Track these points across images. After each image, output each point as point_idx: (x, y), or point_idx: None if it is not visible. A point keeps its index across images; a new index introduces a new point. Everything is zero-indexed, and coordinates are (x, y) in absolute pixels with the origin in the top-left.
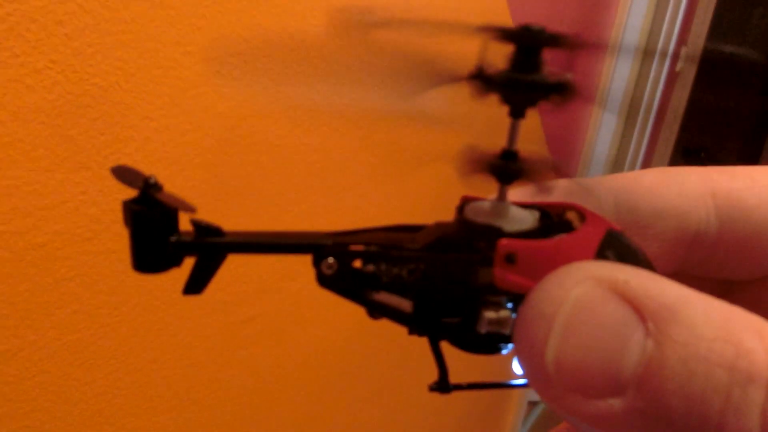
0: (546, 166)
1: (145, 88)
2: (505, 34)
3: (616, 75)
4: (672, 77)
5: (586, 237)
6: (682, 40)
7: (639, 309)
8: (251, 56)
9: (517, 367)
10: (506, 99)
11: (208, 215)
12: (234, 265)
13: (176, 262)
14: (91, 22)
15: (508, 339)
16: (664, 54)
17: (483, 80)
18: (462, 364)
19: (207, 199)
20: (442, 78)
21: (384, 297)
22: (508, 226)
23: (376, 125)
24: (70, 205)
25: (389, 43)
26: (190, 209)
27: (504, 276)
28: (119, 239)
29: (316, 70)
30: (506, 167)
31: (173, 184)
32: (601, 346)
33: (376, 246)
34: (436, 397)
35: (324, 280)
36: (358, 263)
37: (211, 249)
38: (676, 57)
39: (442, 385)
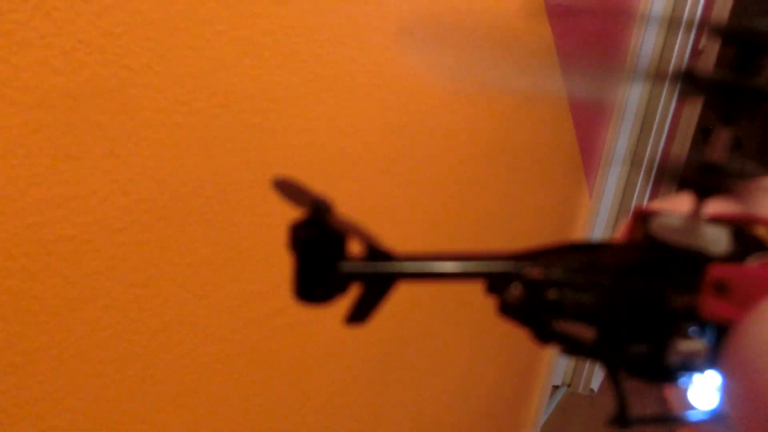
0: (746, 177)
1: (175, 70)
2: (724, 32)
3: (642, 50)
4: (695, 55)
5: None
6: (705, 17)
7: None
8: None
9: (695, 399)
10: (720, 104)
11: (241, 204)
12: (266, 253)
13: (342, 290)
14: None
15: (694, 369)
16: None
17: (693, 82)
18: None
19: (241, 185)
20: (643, 74)
21: (567, 326)
22: (713, 249)
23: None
24: (100, 195)
25: (587, 32)
26: (363, 236)
27: (713, 305)
28: (150, 230)
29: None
30: (707, 180)
31: (205, 171)
32: None
33: (562, 272)
34: (462, 381)
35: (508, 309)
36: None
37: (381, 278)
38: (699, 34)
39: (622, 419)
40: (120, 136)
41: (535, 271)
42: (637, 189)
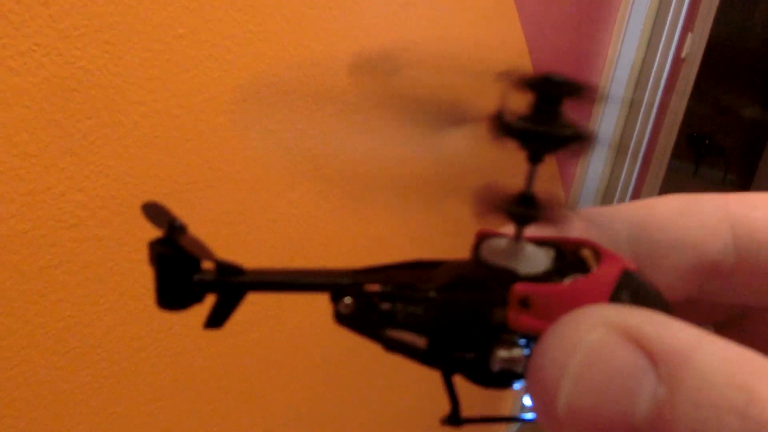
0: (562, 208)
1: (134, 72)
2: (525, 83)
3: (621, 60)
4: (677, 64)
5: (600, 278)
6: (687, 27)
7: (651, 354)
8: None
9: (528, 402)
10: (524, 146)
11: (200, 202)
12: (224, 251)
13: (198, 299)
14: (77, 3)
15: (520, 376)
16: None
17: (502, 126)
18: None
19: (199, 185)
20: (461, 119)
21: (399, 334)
22: (523, 269)
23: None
24: (56, 191)
25: (410, 86)
26: (210, 256)
27: (518, 319)
28: (106, 225)
29: (335, 112)
30: (523, 211)
31: (164, 170)
32: (613, 392)
33: (392, 286)
34: (434, 391)
35: (341, 318)
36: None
37: (231, 288)
38: (681, 43)
39: (454, 419)
40: (76, 134)
41: (366, 285)
42: (620, 185)
